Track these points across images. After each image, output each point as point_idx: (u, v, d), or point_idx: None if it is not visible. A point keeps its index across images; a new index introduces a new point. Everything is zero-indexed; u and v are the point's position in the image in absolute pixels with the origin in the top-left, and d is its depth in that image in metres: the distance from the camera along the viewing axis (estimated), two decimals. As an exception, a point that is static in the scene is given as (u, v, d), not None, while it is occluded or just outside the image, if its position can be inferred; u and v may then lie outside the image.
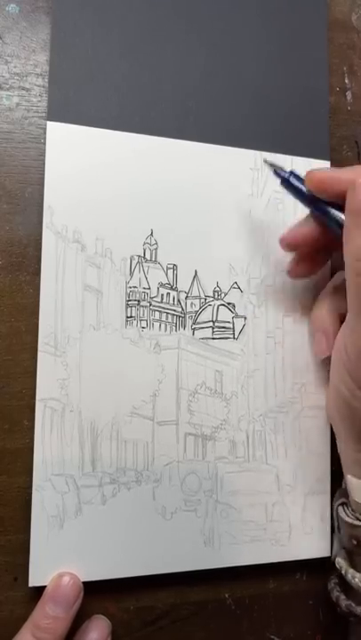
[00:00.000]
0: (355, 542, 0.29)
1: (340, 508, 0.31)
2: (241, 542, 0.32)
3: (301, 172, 0.30)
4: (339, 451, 0.31)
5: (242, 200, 0.34)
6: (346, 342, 0.26)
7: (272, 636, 0.33)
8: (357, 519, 0.29)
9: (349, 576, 0.29)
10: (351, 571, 0.29)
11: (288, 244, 0.30)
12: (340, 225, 0.28)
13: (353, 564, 0.30)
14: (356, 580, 0.29)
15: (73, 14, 0.32)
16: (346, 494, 0.31)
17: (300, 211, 0.34)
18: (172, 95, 0.33)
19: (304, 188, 0.29)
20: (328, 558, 0.33)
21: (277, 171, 0.31)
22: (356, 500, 0.29)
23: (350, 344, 0.26)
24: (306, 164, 0.35)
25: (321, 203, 0.29)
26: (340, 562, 0.30)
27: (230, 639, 0.33)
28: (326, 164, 0.35)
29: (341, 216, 0.27)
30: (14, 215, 0.31)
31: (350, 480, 0.29)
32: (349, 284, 0.25)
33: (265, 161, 0.32)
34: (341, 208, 0.27)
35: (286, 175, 0.30)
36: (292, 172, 0.30)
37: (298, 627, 0.34)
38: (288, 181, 0.30)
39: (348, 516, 0.30)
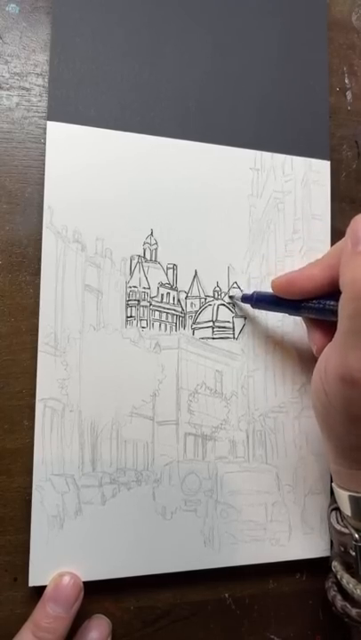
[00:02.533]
0: (342, 549, 0.30)
1: (333, 514, 0.31)
2: (241, 542, 0.32)
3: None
4: (326, 459, 0.31)
5: (242, 200, 0.34)
6: (326, 362, 0.26)
7: (272, 636, 0.33)
8: (345, 526, 0.29)
9: (345, 581, 0.29)
10: (346, 576, 0.29)
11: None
12: (320, 311, 0.29)
13: (348, 570, 0.30)
14: (351, 585, 0.29)
15: (73, 14, 0.32)
16: None
17: (300, 210, 0.35)
18: (172, 95, 0.33)
19: (273, 298, 0.30)
20: (328, 558, 0.33)
21: (244, 297, 0.32)
22: (341, 508, 0.29)
23: (331, 360, 0.26)
24: (306, 164, 0.35)
25: (295, 303, 0.30)
26: (337, 566, 0.30)
27: (230, 639, 0.33)
28: (326, 163, 0.35)
29: (314, 302, 0.29)
30: (14, 215, 0.31)
31: (335, 489, 0.30)
32: (343, 309, 0.25)
33: (230, 297, 0.33)
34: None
35: (252, 296, 0.31)
36: (255, 292, 0.32)
37: (298, 627, 0.34)
38: (258, 299, 0.31)
39: (337, 523, 0.30)
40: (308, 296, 0.29)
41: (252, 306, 0.32)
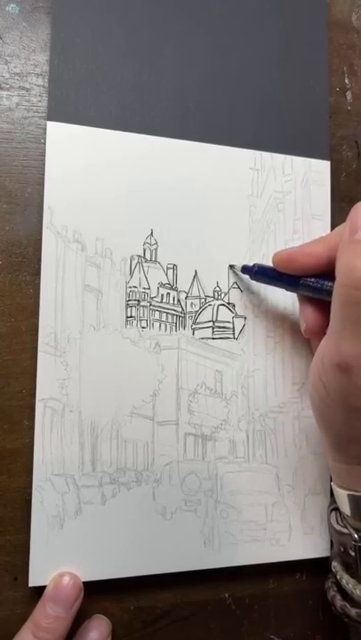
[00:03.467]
0: (342, 549, 0.30)
1: (332, 514, 0.31)
2: (241, 542, 0.32)
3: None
4: (325, 458, 0.31)
5: (242, 200, 0.34)
6: (324, 354, 0.26)
7: (272, 636, 0.33)
8: (345, 526, 0.29)
9: (344, 582, 0.29)
10: (346, 576, 0.29)
11: (311, 331, 0.31)
12: (317, 290, 0.29)
13: (348, 570, 0.30)
14: (351, 586, 0.29)
15: (73, 14, 0.32)
16: None
17: (300, 210, 0.35)
18: (172, 95, 0.33)
19: (273, 272, 0.31)
20: (328, 558, 0.33)
21: (244, 268, 0.32)
22: (341, 508, 0.29)
23: (328, 351, 0.26)
24: (306, 164, 0.35)
25: (294, 279, 0.30)
26: (336, 566, 0.30)
27: (230, 639, 0.33)
28: (326, 163, 0.35)
29: (313, 281, 0.29)
30: (14, 215, 0.31)
31: (334, 488, 0.30)
32: (337, 296, 0.25)
33: (230, 266, 0.33)
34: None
35: (253, 268, 0.31)
36: (255, 264, 0.31)
37: (298, 627, 0.34)
38: (256, 271, 0.31)
39: (337, 523, 0.30)
40: (308, 273, 0.29)
41: (251, 277, 0.32)
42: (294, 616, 0.34)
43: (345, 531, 0.29)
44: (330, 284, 0.28)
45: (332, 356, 0.25)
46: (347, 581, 0.29)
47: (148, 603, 0.32)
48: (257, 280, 0.32)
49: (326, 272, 0.28)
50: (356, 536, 0.28)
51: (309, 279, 0.29)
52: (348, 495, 0.28)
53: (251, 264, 0.32)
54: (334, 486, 0.29)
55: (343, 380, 0.25)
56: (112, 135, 0.32)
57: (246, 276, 0.32)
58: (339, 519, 0.30)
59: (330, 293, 0.27)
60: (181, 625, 0.32)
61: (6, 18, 0.32)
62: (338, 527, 0.30)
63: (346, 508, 0.29)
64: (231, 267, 0.33)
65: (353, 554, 0.29)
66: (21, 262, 0.31)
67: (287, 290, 0.31)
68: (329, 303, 0.26)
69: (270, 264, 0.31)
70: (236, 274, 0.33)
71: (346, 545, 0.29)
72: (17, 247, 0.31)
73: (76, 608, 0.28)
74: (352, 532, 0.29)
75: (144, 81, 0.33)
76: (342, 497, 0.29)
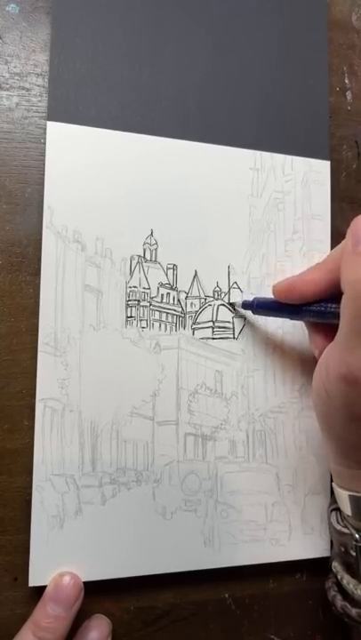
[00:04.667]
0: (343, 549, 0.30)
1: (333, 514, 0.31)
2: (241, 542, 0.32)
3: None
4: (326, 459, 0.31)
5: (242, 200, 0.34)
6: (328, 364, 0.26)
7: (272, 636, 0.33)
8: (345, 527, 0.29)
9: (345, 582, 0.29)
10: (347, 577, 0.29)
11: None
12: (322, 314, 0.29)
13: (348, 570, 0.30)
14: (351, 586, 0.29)
15: (73, 14, 0.32)
16: None
17: (300, 211, 0.35)
18: (172, 95, 0.33)
19: (273, 304, 0.31)
20: (328, 558, 0.33)
21: (244, 304, 0.32)
22: (342, 508, 0.29)
23: (332, 360, 0.26)
24: (306, 164, 0.35)
25: (296, 308, 0.30)
26: (337, 566, 0.30)
27: (230, 639, 0.33)
28: (326, 163, 0.35)
29: (315, 306, 0.29)
30: (14, 215, 0.31)
31: (335, 489, 0.30)
32: (345, 309, 0.25)
33: (229, 304, 0.33)
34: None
35: (252, 302, 0.31)
36: (256, 298, 0.32)
37: (298, 627, 0.34)
38: (258, 306, 0.31)
39: (338, 523, 0.30)
40: (309, 300, 0.29)
41: (253, 312, 0.32)
42: (294, 616, 0.34)
43: (346, 531, 0.29)
44: (333, 305, 0.28)
45: (338, 367, 0.25)
46: (348, 582, 0.29)
47: (148, 603, 0.32)
48: (259, 314, 0.32)
49: (328, 296, 0.28)
50: (357, 536, 0.28)
51: (312, 305, 0.29)
52: (350, 496, 0.28)
53: (250, 299, 0.32)
54: (335, 487, 0.30)
55: (348, 390, 0.25)
56: (112, 135, 0.32)
57: (249, 312, 0.32)
58: (339, 519, 0.30)
59: (335, 315, 0.27)
60: (181, 625, 0.32)
61: (6, 18, 0.32)
62: (339, 527, 0.30)
63: (347, 508, 0.29)
64: (232, 304, 0.33)
65: (354, 554, 0.29)
66: (21, 262, 0.31)
67: (291, 319, 0.31)
68: (336, 326, 0.26)
69: (269, 293, 0.31)
70: (237, 311, 0.33)
71: (347, 545, 0.29)
72: (17, 247, 0.31)
73: (77, 608, 0.28)
74: (353, 532, 0.29)
75: (144, 81, 0.33)
76: (343, 497, 0.29)
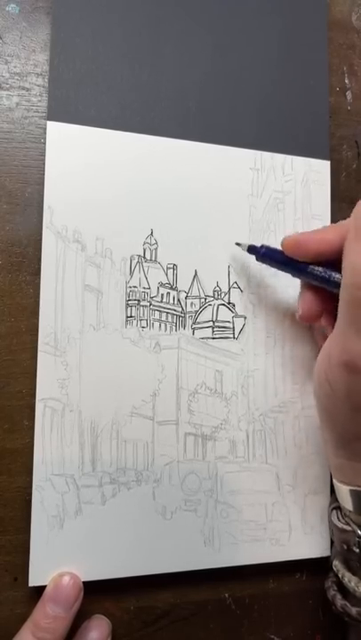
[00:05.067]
0: (345, 547, 0.30)
1: (333, 512, 0.31)
2: (241, 542, 0.32)
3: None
4: (326, 456, 0.31)
5: (242, 200, 0.34)
6: (330, 353, 0.26)
7: (272, 636, 0.33)
8: (347, 524, 0.29)
9: (346, 580, 0.29)
10: (348, 574, 0.29)
11: (306, 319, 0.31)
12: (325, 280, 0.28)
13: (349, 567, 0.30)
14: (353, 584, 0.29)
15: (73, 14, 0.32)
16: None
17: (300, 211, 0.35)
18: (172, 95, 0.33)
19: (280, 256, 0.30)
20: (328, 558, 0.33)
21: (251, 248, 0.31)
22: (343, 504, 0.29)
23: (334, 349, 0.26)
24: (306, 164, 0.35)
25: (302, 265, 0.29)
26: (338, 565, 0.30)
27: (230, 639, 0.33)
28: (326, 163, 0.35)
29: (321, 270, 0.28)
30: (14, 215, 0.31)
31: (336, 484, 0.30)
32: (344, 295, 0.25)
33: (236, 244, 0.32)
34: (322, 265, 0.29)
35: (260, 249, 0.31)
36: (263, 246, 0.31)
37: (298, 627, 0.34)
38: (263, 254, 0.31)
39: (339, 521, 0.30)
40: (317, 259, 0.28)
41: (257, 259, 0.31)
42: (294, 616, 0.34)
43: (348, 528, 0.29)
44: (338, 276, 0.28)
45: (340, 355, 0.25)
46: (348, 579, 0.29)
47: (148, 603, 0.32)
48: (263, 262, 0.31)
49: (336, 260, 0.27)
50: (359, 532, 0.28)
51: (317, 268, 0.28)
52: (351, 491, 0.28)
53: (258, 245, 0.31)
54: (336, 482, 0.29)
55: (350, 378, 0.25)
56: (112, 135, 0.32)
57: (251, 257, 0.31)
58: (340, 517, 0.30)
59: (337, 285, 0.26)
60: (181, 625, 0.32)
61: (6, 18, 0.32)
62: (340, 525, 0.30)
63: (348, 503, 0.29)
64: (238, 244, 0.32)
65: (357, 550, 0.29)
66: (21, 262, 0.31)
67: (293, 275, 0.30)
68: (331, 293, 0.26)
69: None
70: (241, 246, 0.32)
71: (349, 542, 0.29)
72: (17, 247, 0.31)
73: (76, 608, 0.28)
74: (355, 528, 0.29)
75: (144, 81, 0.33)
76: (344, 493, 0.29)
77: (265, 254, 0.31)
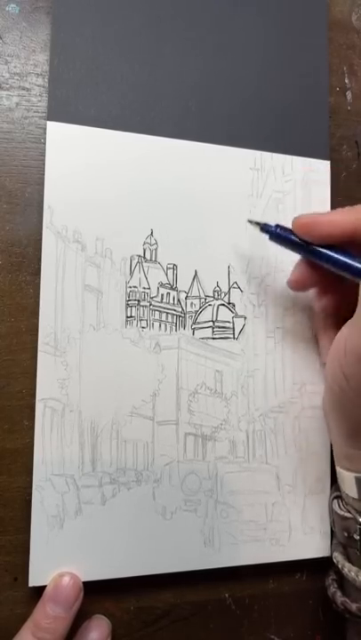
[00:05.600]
0: (346, 534, 0.30)
1: (335, 501, 0.31)
2: (241, 542, 0.32)
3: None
4: (332, 444, 0.32)
5: (242, 200, 0.34)
6: (346, 340, 0.26)
7: (272, 636, 0.33)
8: (348, 511, 0.30)
9: (346, 570, 0.29)
10: (348, 565, 0.29)
11: (295, 287, 0.31)
12: (334, 263, 0.28)
13: (349, 559, 0.30)
14: (353, 573, 0.29)
15: (73, 14, 0.32)
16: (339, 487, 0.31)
17: (300, 211, 0.35)
18: (172, 95, 0.33)
19: (293, 237, 0.29)
20: (328, 558, 0.33)
21: (264, 227, 0.31)
22: (346, 491, 0.30)
23: (351, 341, 0.26)
24: (306, 164, 0.35)
25: (312, 247, 0.29)
26: (338, 556, 0.30)
27: (230, 639, 0.33)
28: (326, 164, 0.35)
29: (332, 254, 0.28)
30: (14, 215, 0.31)
31: (340, 472, 0.30)
32: None
33: (249, 221, 0.32)
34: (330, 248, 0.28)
35: (273, 229, 0.30)
36: (277, 225, 0.30)
37: (298, 627, 0.34)
38: (277, 234, 0.30)
39: (340, 509, 0.30)
40: (329, 242, 0.28)
41: (270, 238, 0.30)
42: (294, 616, 0.34)
43: (349, 515, 0.29)
44: (354, 262, 0.27)
45: (357, 347, 0.25)
46: (349, 569, 0.29)
47: (148, 603, 0.32)
48: (275, 241, 0.30)
49: (350, 243, 0.27)
50: (360, 519, 0.29)
51: (330, 251, 0.28)
52: (356, 477, 0.28)
53: (273, 224, 0.30)
54: (341, 469, 0.30)
55: None
56: (112, 135, 0.32)
57: (265, 237, 0.31)
58: (342, 505, 0.30)
59: (352, 271, 0.26)
60: (181, 625, 0.32)
61: (6, 18, 0.32)
62: (341, 512, 0.30)
63: (353, 490, 0.29)
64: (250, 222, 0.31)
65: (357, 537, 0.29)
66: (21, 262, 0.31)
67: (304, 257, 0.30)
68: (342, 278, 0.26)
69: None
70: (252, 222, 0.31)
71: (349, 529, 0.29)
72: (17, 247, 0.31)
73: (76, 608, 0.28)
74: (356, 515, 0.29)
75: (144, 81, 0.33)
76: (349, 480, 0.29)
77: (277, 234, 0.30)
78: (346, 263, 0.28)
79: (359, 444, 0.28)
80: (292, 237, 0.29)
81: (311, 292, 0.33)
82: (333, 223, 0.27)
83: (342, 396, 0.27)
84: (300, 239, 0.29)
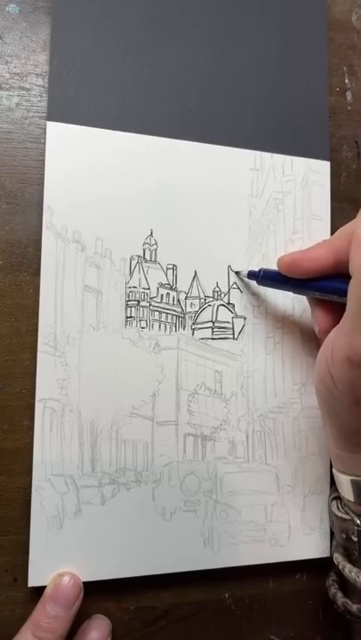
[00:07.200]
0: (344, 536, 0.30)
1: (333, 503, 0.31)
2: (241, 542, 0.32)
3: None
4: (327, 447, 0.32)
5: (242, 200, 0.34)
6: (333, 344, 0.26)
7: (272, 636, 0.33)
8: (346, 513, 0.30)
9: (346, 571, 0.29)
10: (349, 565, 0.29)
11: (325, 333, 0.30)
12: (326, 291, 0.29)
13: (350, 559, 0.30)
14: (353, 574, 0.29)
15: (73, 14, 0.32)
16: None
17: (300, 211, 0.35)
18: (172, 95, 0.33)
19: (279, 277, 0.30)
20: (328, 558, 0.33)
21: (250, 274, 0.32)
22: (343, 494, 0.30)
23: (337, 344, 0.26)
24: (306, 164, 0.35)
25: (301, 283, 0.30)
26: (338, 557, 0.30)
27: (230, 639, 0.33)
28: (326, 164, 0.35)
29: (320, 285, 0.29)
30: (14, 215, 0.31)
31: (336, 474, 0.30)
32: (353, 289, 0.25)
33: (236, 273, 0.33)
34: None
35: (259, 273, 0.31)
36: (262, 269, 0.31)
37: (298, 627, 0.34)
38: (264, 277, 0.31)
39: (338, 510, 0.30)
40: (314, 276, 0.29)
41: (258, 283, 0.32)
42: (294, 616, 0.34)
43: (347, 517, 0.30)
44: (337, 284, 0.28)
45: (344, 350, 0.25)
46: (349, 570, 0.29)
47: (148, 603, 0.32)
48: (264, 285, 0.32)
49: (332, 274, 0.28)
50: (358, 521, 0.29)
51: (316, 282, 0.29)
52: (351, 480, 0.28)
53: (256, 269, 0.32)
54: (336, 472, 0.30)
55: (353, 373, 0.25)
56: (112, 135, 0.32)
57: (253, 282, 0.32)
58: (340, 507, 0.30)
59: (339, 294, 0.27)
60: (181, 625, 0.32)
61: (6, 18, 0.32)
62: (339, 514, 0.30)
63: (348, 493, 0.29)
64: (237, 273, 0.33)
65: (355, 539, 0.29)
66: (21, 262, 0.31)
67: (295, 293, 0.31)
68: (339, 303, 0.26)
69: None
70: (242, 280, 0.33)
71: (348, 531, 0.29)
72: (17, 247, 0.31)
73: (76, 608, 0.28)
74: (354, 517, 0.29)
75: (144, 81, 0.33)
76: (345, 482, 0.29)
77: (264, 277, 0.31)
78: (332, 287, 0.29)
79: (348, 446, 0.28)
80: (279, 277, 0.30)
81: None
82: (314, 259, 0.29)
83: (331, 398, 0.27)
84: (286, 277, 0.30)
